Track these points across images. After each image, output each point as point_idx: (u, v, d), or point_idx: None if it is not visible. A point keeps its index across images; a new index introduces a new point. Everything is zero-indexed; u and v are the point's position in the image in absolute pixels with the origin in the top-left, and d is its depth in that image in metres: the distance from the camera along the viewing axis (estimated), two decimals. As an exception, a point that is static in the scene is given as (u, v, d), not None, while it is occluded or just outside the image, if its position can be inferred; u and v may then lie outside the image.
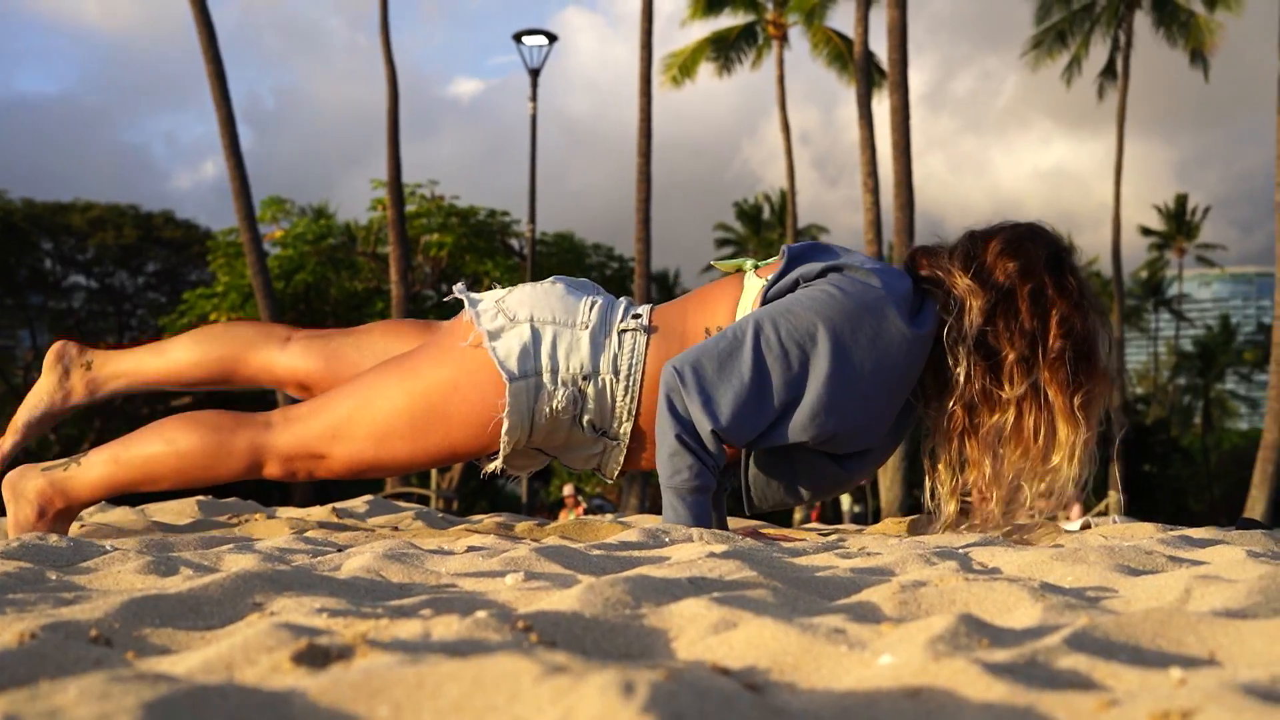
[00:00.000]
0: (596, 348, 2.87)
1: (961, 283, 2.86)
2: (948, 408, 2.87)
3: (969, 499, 2.90)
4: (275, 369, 3.17)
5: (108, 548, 2.32)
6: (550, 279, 3.01)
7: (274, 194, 32.60)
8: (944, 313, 2.85)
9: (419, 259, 31.18)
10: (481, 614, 1.33)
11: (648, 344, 2.89)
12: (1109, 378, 2.94)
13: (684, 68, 32.75)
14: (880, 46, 25.93)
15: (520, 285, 3.00)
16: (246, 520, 3.64)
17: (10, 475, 3.00)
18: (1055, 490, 2.89)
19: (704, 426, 2.72)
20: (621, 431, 2.91)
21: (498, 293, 2.98)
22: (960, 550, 2.33)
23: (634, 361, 2.87)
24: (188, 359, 3.19)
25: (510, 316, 2.90)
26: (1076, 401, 2.85)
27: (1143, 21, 35.40)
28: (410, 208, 29.90)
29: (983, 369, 2.84)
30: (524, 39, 21.90)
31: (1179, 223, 64.07)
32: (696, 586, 1.71)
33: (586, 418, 2.89)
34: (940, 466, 2.91)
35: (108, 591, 1.76)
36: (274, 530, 3.22)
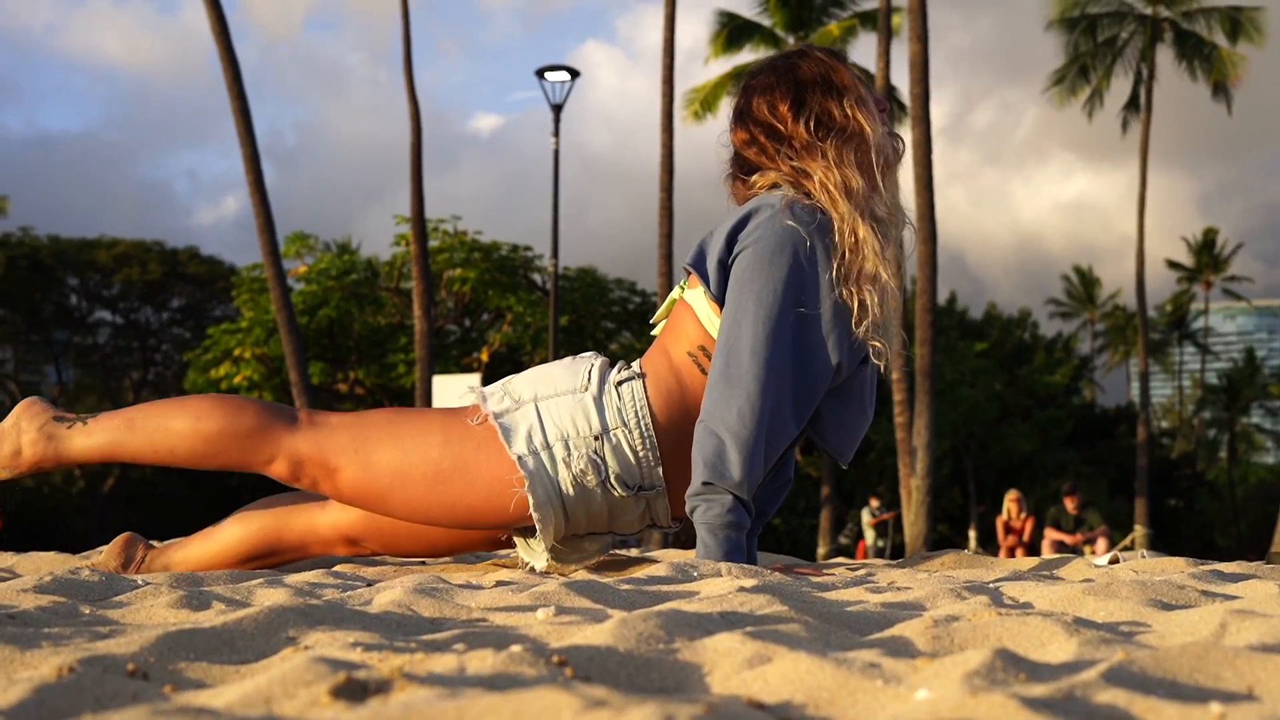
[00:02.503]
0: (600, 408, 2.87)
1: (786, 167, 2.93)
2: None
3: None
4: (319, 530, 3.09)
5: (139, 582, 2.33)
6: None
7: (297, 229, 32.72)
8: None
9: (442, 294, 31.30)
10: (516, 648, 1.33)
11: (645, 387, 2.90)
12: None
13: (705, 103, 32.82)
14: (902, 80, 25.99)
15: (530, 369, 3.02)
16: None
17: (30, 407, 2.98)
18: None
19: (734, 461, 2.73)
20: (655, 478, 2.91)
21: (507, 379, 3.01)
22: (991, 585, 2.32)
23: (639, 407, 2.88)
24: (235, 538, 3.12)
25: (516, 399, 2.91)
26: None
27: (1165, 55, 35.42)
28: (433, 243, 30.03)
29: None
30: (547, 75, 22.00)
31: (1208, 256, 63.96)
32: (728, 621, 1.71)
33: (614, 476, 2.88)
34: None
35: (142, 626, 1.77)
36: (300, 566, 3.23)
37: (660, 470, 2.90)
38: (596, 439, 2.86)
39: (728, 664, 1.37)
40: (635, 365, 2.97)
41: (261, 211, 21.66)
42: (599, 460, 2.85)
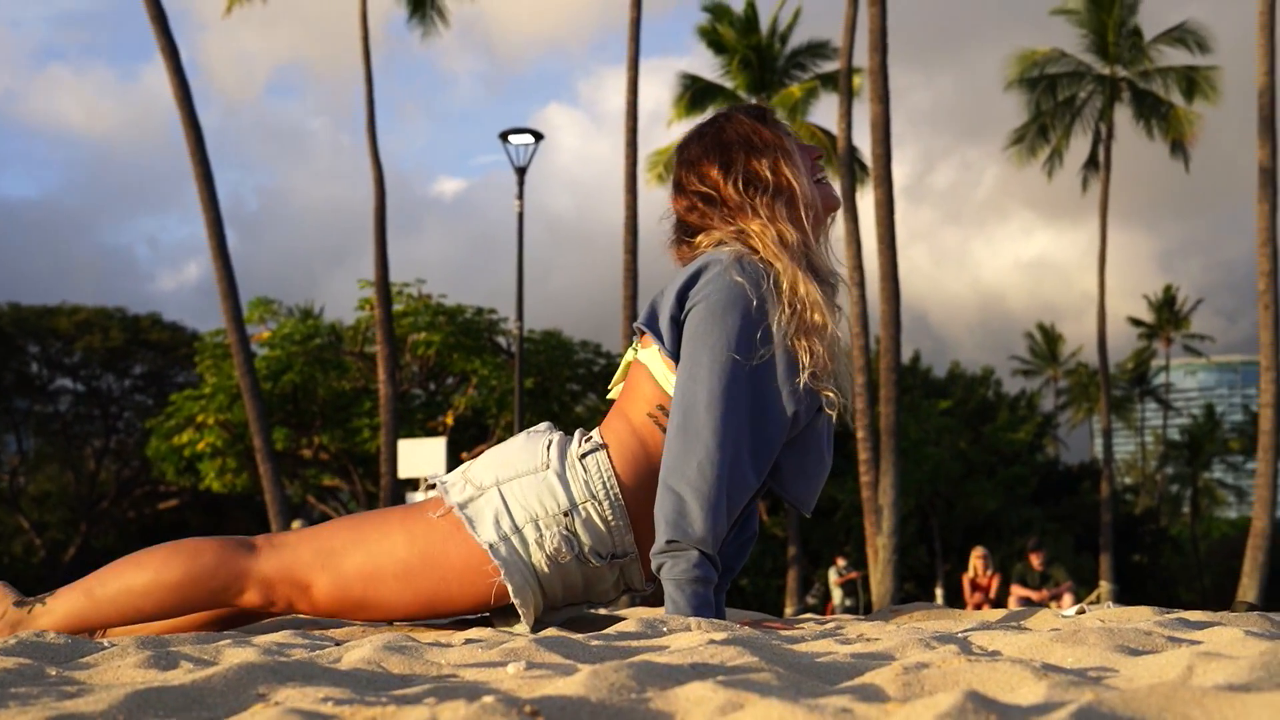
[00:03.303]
0: (565, 482, 2.87)
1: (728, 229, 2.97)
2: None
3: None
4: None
5: (105, 644, 2.32)
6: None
7: (260, 295, 32.65)
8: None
9: (406, 358, 31.24)
10: (488, 699, 1.33)
11: (609, 455, 2.91)
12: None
13: (669, 165, 32.97)
14: (863, 140, 26.17)
15: (486, 452, 3.02)
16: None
17: None
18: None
19: (696, 517, 2.73)
20: (628, 545, 2.91)
21: (465, 465, 3.00)
22: (959, 635, 2.33)
23: (606, 478, 2.88)
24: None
25: (478, 485, 2.91)
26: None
27: (1123, 114, 35.84)
28: (397, 307, 30.01)
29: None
30: (510, 137, 22.10)
31: (1168, 313, 64.46)
32: (699, 672, 1.71)
33: (588, 549, 2.88)
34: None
35: (110, 685, 1.76)
36: (267, 626, 3.21)
37: (631, 536, 2.90)
38: (566, 515, 2.85)
39: (700, 712, 1.37)
40: (595, 434, 2.96)
41: (224, 277, 21.64)
42: (571, 536, 2.85)
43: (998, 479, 40.59)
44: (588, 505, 2.86)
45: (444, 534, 2.87)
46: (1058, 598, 15.89)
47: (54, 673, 1.91)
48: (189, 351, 37.37)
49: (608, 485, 2.87)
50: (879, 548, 21.20)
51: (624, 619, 3.08)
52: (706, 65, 35.11)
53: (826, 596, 24.08)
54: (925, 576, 39.74)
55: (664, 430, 2.90)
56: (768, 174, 2.98)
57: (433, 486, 3.00)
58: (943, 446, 38.70)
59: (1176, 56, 35.61)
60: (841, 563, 23.26)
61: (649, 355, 2.95)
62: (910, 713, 1.27)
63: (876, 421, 22.11)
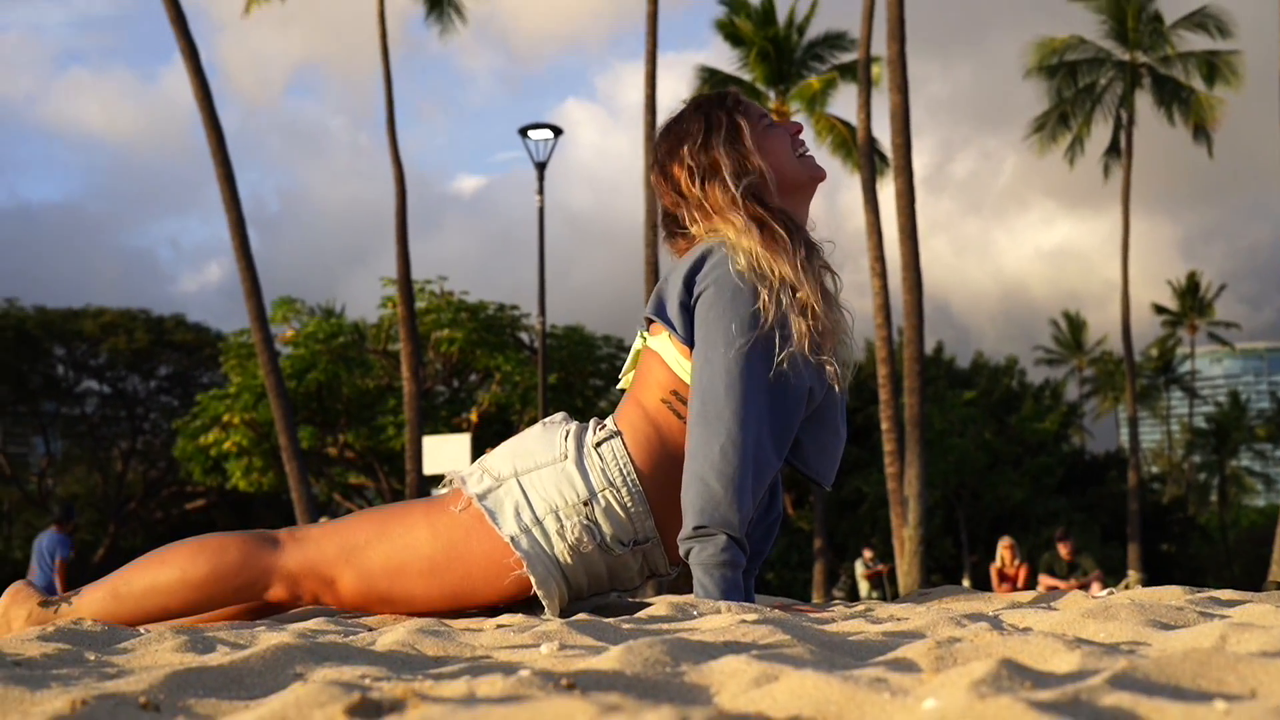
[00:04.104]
0: (584, 472, 2.88)
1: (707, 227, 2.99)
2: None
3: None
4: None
5: (141, 631, 2.34)
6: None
7: (283, 294, 32.73)
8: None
9: (430, 355, 31.28)
10: (525, 673, 1.34)
11: (625, 443, 2.91)
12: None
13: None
14: (883, 131, 26.09)
15: (503, 444, 3.03)
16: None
17: (16, 593, 2.91)
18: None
19: (722, 501, 2.74)
20: (649, 530, 2.92)
21: (483, 458, 3.01)
22: (991, 614, 2.33)
23: (622, 465, 2.89)
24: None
25: (496, 476, 2.92)
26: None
27: (1144, 100, 35.68)
28: (420, 304, 30.04)
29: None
30: (530, 133, 22.10)
31: (1192, 300, 64.21)
32: (732, 650, 1.72)
33: (609, 537, 2.88)
34: None
35: (149, 668, 1.77)
36: (303, 614, 3.22)
37: (652, 521, 2.91)
38: (586, 504, 2.86)
39: (735, 684, 1.38)
40: (609, 422, 2.97)
41: (248, 277, 21.69)
42: (592, 525, 2.86)
43: (1024, 469, 40.47)
44: (607, 493, 2.87)
45: (466, 528, 2.87)
46: (1086, 587, 15.84)
47: (93, 657, 1.93)
48: (213, 352, 37.52)
49: (625, 472, 2.88)
50: (905, 539, 21.16)
51: (653, 604, 3.09)
52: (724, 58, 35.00)
53: (853, 589, 24.06)
54: (952, 568, 39.65)
55: (679, 415, 2.91)
56: (722, 158, 2.99)
57: (450, 483, 3.01)
58: (968, 437, 38.61)
59: (1197, 41, 35.47)
60: (868, 555, 23.24)
61: (660, 342, 2.96)
62: (945, 680, 1.28)
63: (901, 413, 22.06)
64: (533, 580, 2.83)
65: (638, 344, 3.07)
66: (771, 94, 33.67)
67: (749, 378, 2.80)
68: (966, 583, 31.86)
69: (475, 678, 1.42)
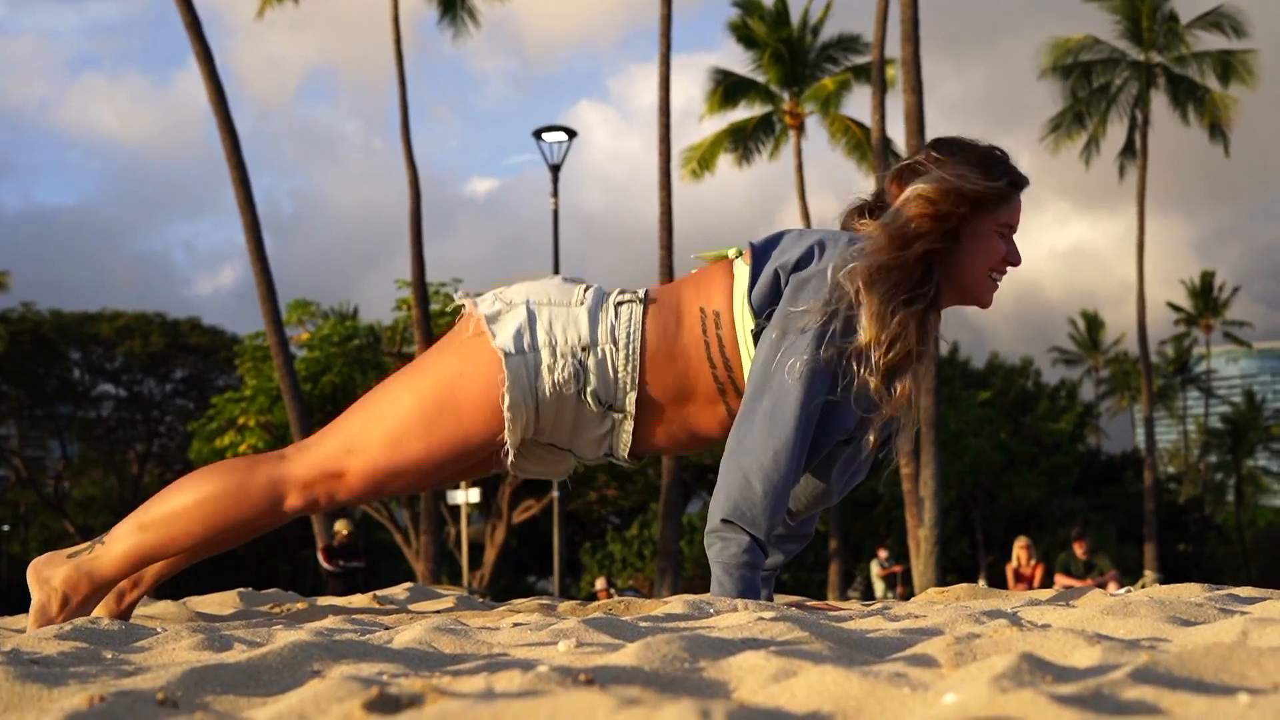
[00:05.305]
0: (594, 321, 2.91)
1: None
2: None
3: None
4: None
5: (159, 629, 2.34)
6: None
7: (298, 297, 32.77)
8: None
9: (445, 357, 31.25)
10: (543, 668, 1.34)
11: (645, 313, 2.92)
12: None
13: (703, 160, 32.97)
14: (897, 132, 26.05)
15: (520, 280, 3.04)
16: (289, 609, 3.64)
17: (37, 562, 2.98)
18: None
19: (759, 503, 2.74)
20: (626, 403, 2.92)
21: (499, 288, 3.03)
22: (1009, 611, 2.33)
23: (631, 330, 2.90)
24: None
25: (507, 301, 2.93)
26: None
27: (1159, 100, 35.59)
28: (435, 307, 30.07)
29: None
30: (544, 135, 22.12)
31: (1206, 300, 64.04)
32: (750, 646, 1.71)
33: (590, 389, 2.89)
34: None
35: (166, 665, 1.77)
36: (317, 615, 3.23)
37: (634, 396, 2.91)
38: (584, 350, 2.89)
39: (754, 679, 1.38)
40: (644, 290, 2.99)
41: (263, 280, 21.72)
42: (579, 370, 2.88)
43: (1039, 469, 40.38)
44: (606, 347, 2.89)
45: (450, 376, 2.93)
46: (1103, 586, 15.79)
47: (110, 655, 1.93)
48: (229, 355, 37.55)
49: (630, 337, 2.90)
50: (921, 540, 21.11)
51: (669, 602, 3.09)
52: (738, 60, 35.10)
53: (869, 590, 24.02)
54: (968, 569, 39.58)
55: (704, 332, 2.90)
56: (952, 211, 2.92)
57: (463, 306, 3.03)
58: (983, 438, 38.53)
59: (1212, 41, 35.36)
60: (883, 555, 23.21)
61: (742, 270, 2.94)
62: (966, 674, 1.27)
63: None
64: (505, 400, 2.87)
65: (731, 251, 3.04)
66: (785, 95, 33.64)
67: (816, 393, 2.79)
68: (982, 582, 31.79)
69: (493, 673, 1.42)
